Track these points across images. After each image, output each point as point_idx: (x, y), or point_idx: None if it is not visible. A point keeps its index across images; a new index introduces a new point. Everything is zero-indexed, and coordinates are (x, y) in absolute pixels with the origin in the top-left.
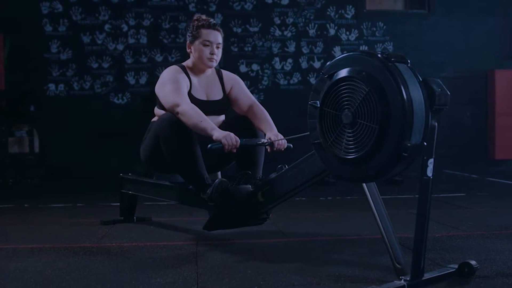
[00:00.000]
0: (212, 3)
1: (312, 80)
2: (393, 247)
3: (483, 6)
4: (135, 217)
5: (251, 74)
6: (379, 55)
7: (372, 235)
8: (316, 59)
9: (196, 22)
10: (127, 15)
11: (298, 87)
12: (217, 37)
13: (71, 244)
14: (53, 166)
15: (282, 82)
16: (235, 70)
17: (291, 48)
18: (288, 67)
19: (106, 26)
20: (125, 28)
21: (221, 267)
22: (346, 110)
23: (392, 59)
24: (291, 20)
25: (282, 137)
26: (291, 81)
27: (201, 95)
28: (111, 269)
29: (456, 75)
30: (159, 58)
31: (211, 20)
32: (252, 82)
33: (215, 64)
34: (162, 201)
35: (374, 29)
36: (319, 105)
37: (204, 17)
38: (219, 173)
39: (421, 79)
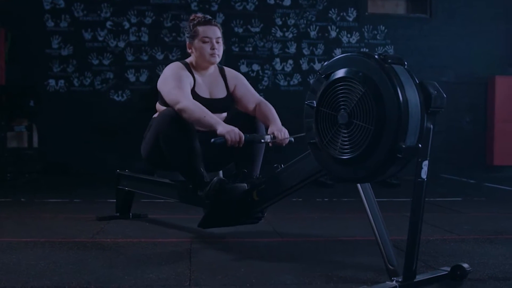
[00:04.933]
0: (214, 3)
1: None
2: (386, 248)
3: (485, 12)
4: (131, 214)
5: (252, 75)
6: (376, 56)
7: (366, 236)
8: (316, 61)
9: (192, 21)
10: (128, 12)
11: (298, 88)
12: (216, 31)
13: (66, 239)
14: (51, 162)
15: (282, 83)
16: (235, 70)
17: (292, 49)
18: (288, 68)
19: (108, 23)
20: (127, 25)
21: (214, 264)
22: (342, 110)
23: (389, 61)
24: (293, 21)
25: (286, 131)
26: (291, 82)
27: (204, 93)
28: (104, 264)
29: (456, 80)
30: (160, 56)
31: (207, 16)
32: (253, 83)
33: (218, 59)
34: (159, 198)
35: (375, 32)
36: (315, 105)
37: (199, 14)
38: (220, 172)
39: (417, 81)
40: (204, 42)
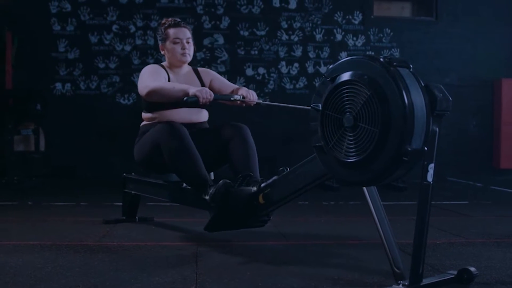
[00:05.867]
0: (219, 6)
1: None
2: (392, 251)
3: (491, 15)
4: (137, 217)
5: (257, 78)
6: (381, 59)
7: (373, 240)
8: (322, 64)
9: (163, 25)
10: (135, 16)
11: (304, 91)
12: (185, 33)
13: (72, 242)
14: (58, 165)
15: (288, 86)
16: (241, 73)
17: (298, 52)
18: (294, 71)
19: (114, 27)
20: (133, 29)
21: (220, 267)
22: (348, 113)
23: (394, 64)
24: (298, 24)
25: (254, 93)
26: (297, 86)
27: None
28: (111, 267)
29: (462, 83)
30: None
31: (177, 19)
32: (258, 86)
33: (189, 58)
34: (165, 201)
35: (381, 35)
36: (321, 108)
37: (170, 18)
38: (211, 173)
39: (423, 84)
40: (175, 43)
